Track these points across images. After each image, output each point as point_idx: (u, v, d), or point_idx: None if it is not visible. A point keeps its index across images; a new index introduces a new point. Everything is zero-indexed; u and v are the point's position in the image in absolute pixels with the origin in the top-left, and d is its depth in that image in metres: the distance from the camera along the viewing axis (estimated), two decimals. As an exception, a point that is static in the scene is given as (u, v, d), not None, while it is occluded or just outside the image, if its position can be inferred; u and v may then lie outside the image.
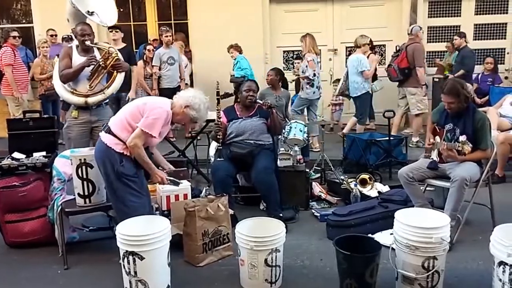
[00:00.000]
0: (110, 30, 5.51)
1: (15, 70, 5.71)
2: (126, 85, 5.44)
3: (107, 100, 3.71)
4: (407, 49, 5.54)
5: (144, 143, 2.64)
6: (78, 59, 3.49)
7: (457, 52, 6.20)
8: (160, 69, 6.16)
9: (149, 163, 2.69)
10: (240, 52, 6.37)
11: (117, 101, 5.57)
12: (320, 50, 5.89)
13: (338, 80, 6.43)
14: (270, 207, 3.43)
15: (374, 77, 6.00)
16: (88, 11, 3.60)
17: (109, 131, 2.66)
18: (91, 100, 3.51)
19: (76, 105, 3.56)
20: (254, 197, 3.71)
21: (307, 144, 4.48)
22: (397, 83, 5.86)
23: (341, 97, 6.52)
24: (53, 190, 3.02)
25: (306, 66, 5.31)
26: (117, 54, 3.58)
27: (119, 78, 3.62)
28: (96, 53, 3.57)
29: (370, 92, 5.59)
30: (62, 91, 3.56)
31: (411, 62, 5.48)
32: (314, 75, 5.30)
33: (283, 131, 4.20)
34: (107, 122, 2.78)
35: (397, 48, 6.04)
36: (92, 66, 3.46)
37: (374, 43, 6.18)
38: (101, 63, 3.49)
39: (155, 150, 2.94)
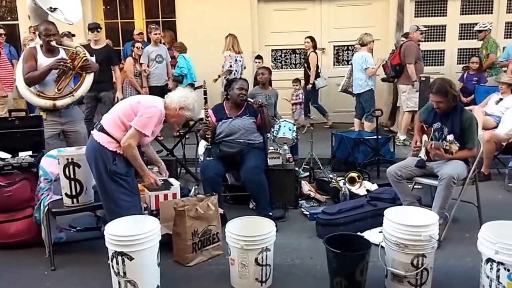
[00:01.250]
0: (91, 30, 5.45)
1: (0, 68, 5.58)
2: (106, 85, 5.43)
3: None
4: (401, 46, 5.66)
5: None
6: (43, 61, 3.38)
7: None
8: (148, 67, 6.10)
9: (142, 164, 2.67)
10: (182, 51, 6.36)
11: (96, 102, 5.52)
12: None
13: (298, 79, 6.52)
14: (260, 206, 3.43)
15: (317, 75, 6.23)
16: (51, 8, 3.48)
17: (101, 129, 2.62)
18: (59, 103, 3.41)
19: (43, 108, 3.44)
20: (244, 196, 3.70)
21: (296, 143, 4.49)
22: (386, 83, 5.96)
23: (301, 96, 6.62)
24: (40, 190, 2.96)
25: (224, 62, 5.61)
26: (85, 54, 3.50)
27: (88, 79, 3.53)
28: (62, 53, 3.47)
29: (374, 89, 5.63)
30: (27, 93, 3.41)
31: (402, 59, 5.57)
32: (231, 72, 5.59)
33: (272, 130, 4.20)
34: (98, 121, 2.74)
35: (396, 46, 6.13)
36: (59, 69, 3.36)
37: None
38: (68, 65, 3.39)
39: (148, 148, 2.91)
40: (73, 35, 5.73)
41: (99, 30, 5.54)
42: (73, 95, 3.46)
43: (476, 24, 6.96)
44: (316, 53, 6.45)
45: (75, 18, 3.72)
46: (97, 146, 2.60)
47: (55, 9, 3.51)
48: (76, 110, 3.69)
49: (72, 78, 3.47)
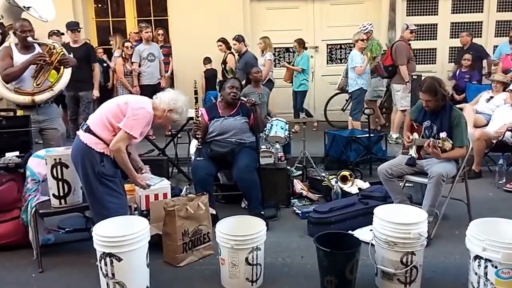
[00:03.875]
0: (71, 30, 5.42)
1: None
2: (85, 85, 5.41)
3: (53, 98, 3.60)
4: (392, 47, 5.67)
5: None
6: (19, 58, 3.37)
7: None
8: (140, 65, 6.07)
9: (130, 168, 2.63)
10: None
11: (77, 101, 5.48)
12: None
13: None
14: (252, 205, 3.41)
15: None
16: (25, 6, 3.51)
17: (88, 130, 2.58)
18: (38, 98, 3.41)
19: (21, 104, 3.42)
20: (235, 195, 3.69)
21: (289, 142, 4.49)
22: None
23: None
24: (27, 191, 2.92)
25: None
26: (62, 49, 3.50)
27: (67, 73, 3.53)
28: (38, 49, 3.46)
29: (365, 88, 5.65)
30: (4, 90, 3.40)
31: (394, 60, 5.58)
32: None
33: (264, 128, 4.19)
34: (84, 121, 2.70)
35: (387, 45, 6.13)
36: (38, 64, 3.35)
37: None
38: (47, 59, 3.39)
39: (132, 152, 2.87)
40: (62, 34, 5.68)
41: (79, 30, 5.54)
42: (52, 89, 3.45)
43: (467, 23, 7.04)
44: (234, 55, 6.26)
45: (49, 16, 3.73)
46: (83, 147, 2.55)
47: (28, 7, 3.52)
48: (53, 107, 3.66)
49: (49, 73, 3.45)
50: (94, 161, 2.53)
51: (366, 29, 5.82)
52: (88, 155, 2.54)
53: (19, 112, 3.42)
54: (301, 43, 6.36)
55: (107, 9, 7.38)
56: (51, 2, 3.84)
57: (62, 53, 3.46)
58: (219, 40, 6.32)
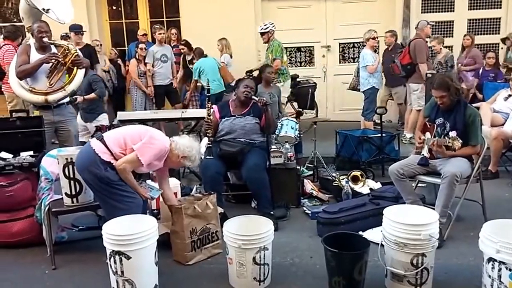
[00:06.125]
0: (75, 33, 5.52)
1: None
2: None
3: (68, 99, 3.67)
4: (410, 45, 5.47)
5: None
6: (36, 57, 3.45)
7: None
8: (153, 66, 6.14)
9: (134, 184, 2.67)
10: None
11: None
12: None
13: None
14: (261, 205, 3.40)
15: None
16: (44, 9, 3.58)
17: (101, 139, 2.64)
18: (51, 97, 3.47)
19: (36, 104, 3.50)
20: (245, 195, 3.68)
21: (300, 141, 4.46)
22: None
23: None
24: (41, 189, 2.98)
25: None
26: (76, 50, 3.56)
27: (80, 74, 3.59)
28: (54, 50, 3.53)
29: (377, 87, 5.58)
30: (20, 89, 3.48)
31: (413, 58, 5.38)
32: None
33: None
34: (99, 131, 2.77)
35: (402, 44, 6.00)
36: (51, 63, 3.42)
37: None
38: (60, 60, 3.45)
39: (167, 186, 2.89)
40: (68, 37, 5.77)
41: (82, 33, 5.65)
42: (64, 90, 3.51)
43: (484, 19, 6.86)
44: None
45: (67, 18, 3.80)
46: (90, 152, 2.59)
47: (48, 10, 3.59)
48: (68, 108, 3.73)
49: (63, 73, 3.52)
50: (97, 167, 2.56)
51: (267, 28, 5.41)
52: (92, 161, 2.57)
53: (35, 113, 3.51)
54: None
55: (120, 11, 7.48)
56: (71, 5, 3.91)
57: (76, 54, 3.53)
58: (181, 43, 6.35)
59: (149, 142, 2.59)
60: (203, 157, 3.71)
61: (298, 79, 6.08)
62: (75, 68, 3.55)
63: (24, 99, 3.59)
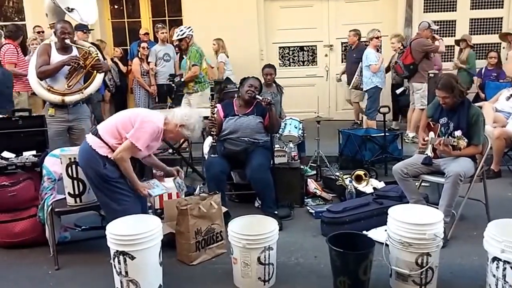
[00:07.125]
0: (84, 32, 5.46)
1: (18, 67, 5.63)
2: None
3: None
4: (411, 44, 5.48)
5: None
6: (56, 57, 3.46)
7: None
8: (155, 65, 6.14)
9: (133, 177, 2.65)
10: None
11: (86, 101, 5.52)
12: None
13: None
14: (265, 205, 3.40)
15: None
16: (68, 8, 3.57)
17: (96, 134, 2.63)
18: (68, 98, 3.48)
19: (52, 103, 3.52)
20: (249, 194, 3.68)
21: (303, 141, 4.45)
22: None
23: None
24: (43, 189, 2.98)
25: None
26: (97, 54, 3.56)
27: (99, 78, 3.61)
28: (75, 52, 3.54)
29: (380, 86, 5.57)
30: (38, 87, 3.52)
31: (415, 58, 5.40)
32: None
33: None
34: (95, 125, 2.76)
35: (403, 44, 5.99)
36: (71, 65, 3.44)
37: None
38: (81, 63, 3.46)
39: (150, 157, 2.88)
40: (91, 30, 5.58)
41: (89, 32, 5.56)
42: (82, 92, 3.53)
43: (486, 19, 6.84)
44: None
45: (91, 19, 3.81)
46: (88, 149, 2.59)
47: (72, 9, 3.59)
48: (84, 108, 3.73)
49: (82, 76, 3.53)
50: (97, 164, 2.56)
51: (184, 33, 5.01)
52: (91, 157, 2.57)
53: (50, 110, 3.53)
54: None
55: (122, 10, 7.47)
56: (95, 5, 3.90)
57: (96, 58, 3.53)
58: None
59: (141, 127, 2.55)
60: (207, 155, 3.70)
61: (224, 84, 5.47)
62: (95, 71, 3.56)
63: (41, 97, 3.60)
